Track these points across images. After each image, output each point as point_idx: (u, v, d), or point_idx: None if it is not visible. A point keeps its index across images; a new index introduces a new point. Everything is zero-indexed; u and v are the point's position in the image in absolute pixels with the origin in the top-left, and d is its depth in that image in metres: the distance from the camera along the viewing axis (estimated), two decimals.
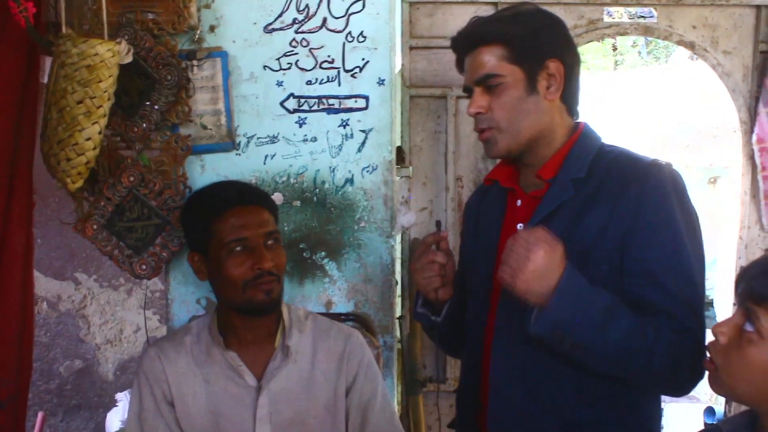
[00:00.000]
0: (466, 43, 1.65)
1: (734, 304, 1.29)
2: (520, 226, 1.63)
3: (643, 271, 1.50)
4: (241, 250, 1.70)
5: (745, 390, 1.24)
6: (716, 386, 1.27)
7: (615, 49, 16.18)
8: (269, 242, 1.73)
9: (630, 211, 1.51)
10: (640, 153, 1.64)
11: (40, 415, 2.97)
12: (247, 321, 1.76)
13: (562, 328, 1.45)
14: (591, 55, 16.08)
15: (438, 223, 1.78)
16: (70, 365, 3.91)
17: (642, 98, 11.61)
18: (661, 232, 1.50)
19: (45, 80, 2.06)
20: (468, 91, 1.66)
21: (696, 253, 1.53)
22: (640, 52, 16.01)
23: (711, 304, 5.88)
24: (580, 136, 1.65)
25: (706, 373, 1.29)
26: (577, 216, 1.56)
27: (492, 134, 1.62)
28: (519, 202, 1.68)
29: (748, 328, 1.21)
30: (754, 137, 2.84)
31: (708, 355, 1.27)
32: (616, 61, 16.58)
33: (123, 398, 3.60)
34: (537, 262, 1.42)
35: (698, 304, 1.51)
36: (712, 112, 8.73)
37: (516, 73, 1.59)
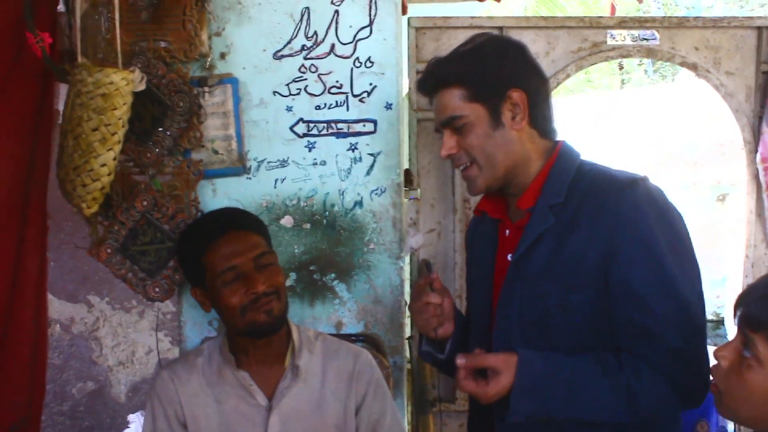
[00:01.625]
0: (428, 87, 1.67)
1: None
2: (509, 256, 1.64)
3: (626, 292, 1.49)
4: (234, 279, 1.73)
5: (747, 414, 1.25)
6: (722, 410, 1.29)
7: (621, 68, 16.22)
8: (262, 264, 1.75)
9: (606, 233, 1.49)
10: (618, 170, 1.62)
11: None
12: (255, 343, 1.79)
13: (534, 414, 1.50)
14: (597, 74, 16.13)
15: (428, 266, 1.78)
16: (83, 387, 3.91)
17: (649, 116, 11.62)
18: (639, 251, 1.48)
19: (59, 107, 2.11)
20: (439, 132, 1.68)
21: (682, 267, 1.50)
22: (646, 71, 16.05)
23: (722, 322, 5.85)
24: (557, 158, 1.63)
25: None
26: (558, 243, 1.55)
27: (472, 171, 1.63)
28: (507, 232, 1.69)
29: (747, 354, 1.22)
30: (758, 157, 2.86)
31: (712, 378, 1.29)
32: (622, 80, 16.62)
33: (135, 420, 3.61)
34: (497, 392, 1.49)
35: (684, 320, 1.47)
36: (719, 129, 8.74)
37: (478, 110, 1.59)
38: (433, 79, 1.65)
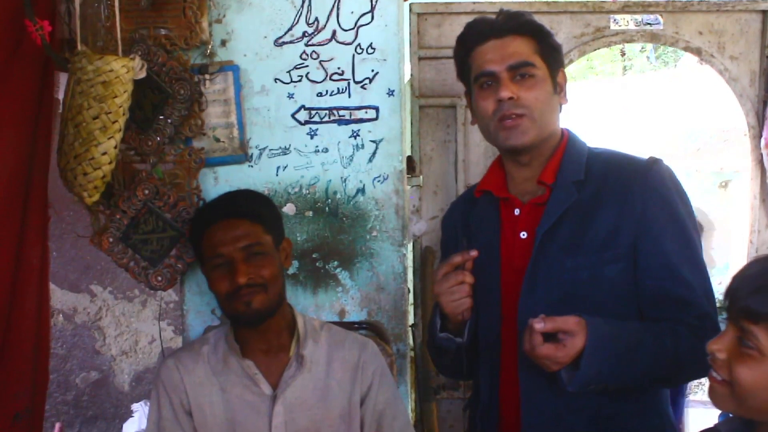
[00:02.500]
0: (499, 27, 1.67)
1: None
2: (523, 234, 1.66)
3: (660, 264, 1.56)
4: (220, 266, 1.74)
5: (753, 404, 1.24)
6: (720, 401, 1.28)
7: (623, 54, 16.14)
8: (252, 253, 1.75)
9: (637, 210, 1.58)
10: (629, 153, 1.71)
11: (57, 426, 3.00)
12: (252, 331, 1.80)
13: (596, 381, 1.51)
14: (599, 60, 16.08)
15: (466, 242, 1.74)
16: (87, 376, 3.93)
17: (651, 103, 11.60)
18: (670, 225, 1.58)
19: (60, 96, 2.09)
20: (489, 76, 1.66)
21: (698, 238, 1.62)
22: (648, 57, 15.98)
23: (724, 308, 5.85)
24: (569, 141, 1.71)
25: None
26: (585, 218, 1.60)
27: (523, 122, 1.63)
28: (517, 211, 1.70)
29: (746, 345, 1.22)
30: (762, 141, 2.85)
31: (715, 374, 1.27)
32: (624, 67, 16.55)
33: (139, 409, 3.62)
34: (569, 355, 1.48)
35: (710, 288, 1.58)
36: (721, 115, 8.72)
37: (544, 69, 1.66)
38: (512, 21, 1.67)
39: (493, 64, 1.64)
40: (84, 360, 3.89)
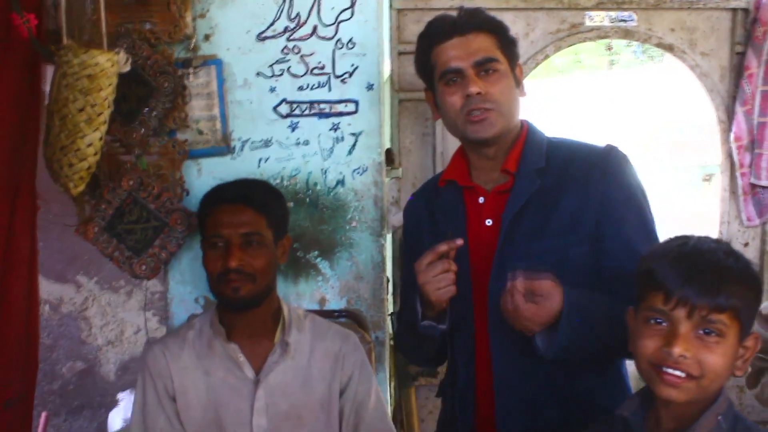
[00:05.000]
0: (462, 25, 1.71)
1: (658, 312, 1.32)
2: (489, 221, 1.72)
3: (619, 244, 1.63)
4: (217, 246, 1.78)
5: (716, 386, 1.30)
6: (684, 394, 1.29)
7: (610, 48, 16.22)
8: (249, 242, 1.78)
9: (598, 194, 1.65)
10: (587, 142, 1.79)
11: (43, 415, 3.01)
12: (234, 315, 1.84)
13: (573, 346, 1.54)
14: (586, 54, 16.13)
15: (451, 232, 1.73)
16: (73, 366, 3.96)
17: (637, 97, 11.67)
18: (629, 207, 1.66)
19: (47, 88, 2.13)
20: (455, 73, 1.70)
21: (652, 215, 1.70)
22: (635, 52, 16.05)
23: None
24: (529, 131, 1.78)
25: None
26: (549, 204, 1.67)
27: (491, 115, 1.68)
28: (482, 200, 1.75)
29: (706, 333, 1.27)
30: (732, 136, 2.93)
31: (679, 372, 1.28)
32: (611, 61, 16.62)
33: (125, 398, 3.64)
34: (549, 315, 1.51)
35: None
36: (706, 110, 8.79)
37: (506, 63, 1.71)
38: (475, 18, 1.72)
39: (458, 60, 1.68)
40: (70, 350, 3.92)
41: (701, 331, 1.27)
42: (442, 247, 1.63)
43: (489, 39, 1.70)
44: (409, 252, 1.93)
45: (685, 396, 1.29)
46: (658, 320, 1.31)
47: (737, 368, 1.32)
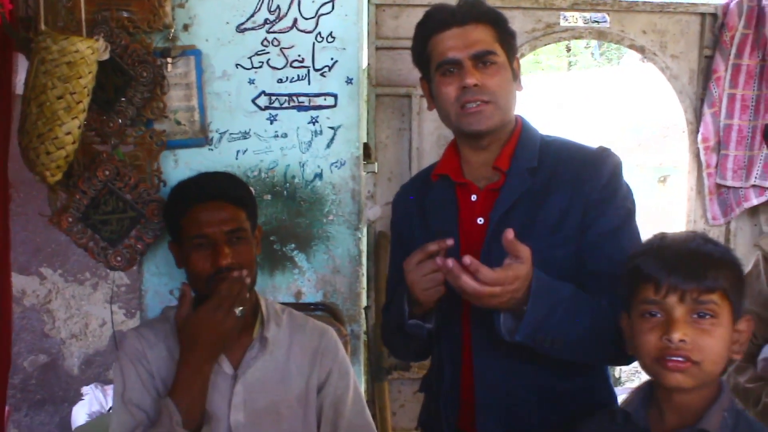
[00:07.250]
0: (461, 15, 1.69)
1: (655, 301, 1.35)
2: (480, 220, 1.70)
3: (602, 250, 1.62)
4: (203, 246, 1.75)
5: (717, 369, 1.33)
6: (690, 379, 1.31)
7: (569, 50, 16.44)
8: (234, 238, 1.76)
9: (586, 196, 1.64)
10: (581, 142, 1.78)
11: (6, 410, 2.97)
12: None
13: (542, 328, 1.52)
14: (545, 55, 16.32)
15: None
16: (35, 360, 3.90)
17: (594, 98, 11.85)
18: (618, 213, 1.65)
19: (17, 76, 2.08)
20: (452, 63, 1.68)
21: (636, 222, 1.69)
22: (593, 54, 16.28)
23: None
24: (523, 128, 1.77)
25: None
26: (537, 204, 1.66)
27: (488, 107, 1.67)
28: (474, 197, 1.73)
29: (701, 317, 1.30)
30: (700, 137, 3.00)
31: (680, 357, 1.30)
32: (570, 62, 16.84)
33: (89, 392, 3.60)
34: (520, 279, 1.47)
35: None
36: (662, 112, 8.98)
37: (504, 56, 1.70)
38: (474, 10, 1.70)
39: (456, 51, 1.66)
40: (32, 343, 3.85)
41: (695, 315, 1.30)
42: (432, 247, 1.59)
43: (488, 31, 1.68)
44: (397, 244, 1.93)
45: (692, 381, 1.31)
46: (653, 312, 1.34)
47: (734, 352, 1.35)
